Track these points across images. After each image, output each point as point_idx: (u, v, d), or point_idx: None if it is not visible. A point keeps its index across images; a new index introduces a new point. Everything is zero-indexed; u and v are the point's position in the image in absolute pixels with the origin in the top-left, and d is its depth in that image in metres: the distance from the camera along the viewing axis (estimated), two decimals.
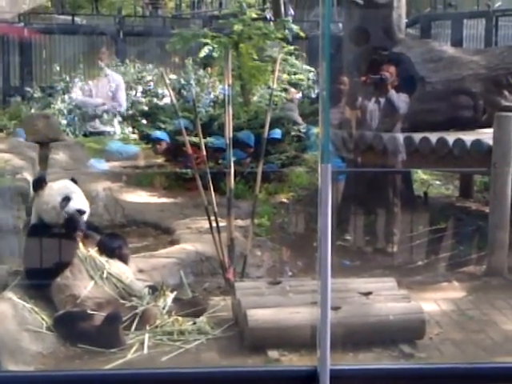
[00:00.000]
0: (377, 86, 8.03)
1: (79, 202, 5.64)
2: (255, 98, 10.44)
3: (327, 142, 4.10)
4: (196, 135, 7.13)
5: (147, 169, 9.35)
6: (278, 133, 8.85)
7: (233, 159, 6.71)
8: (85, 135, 10.81)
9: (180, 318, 5.43)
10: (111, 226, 7.40)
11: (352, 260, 7.32)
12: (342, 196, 8.08)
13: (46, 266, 5.41)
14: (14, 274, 5.61)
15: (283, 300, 5.45)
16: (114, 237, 5.86)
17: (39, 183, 5.77)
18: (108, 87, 11.31)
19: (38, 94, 11.84)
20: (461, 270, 7.04)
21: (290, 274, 6.90)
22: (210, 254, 6.54)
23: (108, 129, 11.07)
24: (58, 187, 5.71)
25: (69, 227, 5.52)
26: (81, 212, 5.61)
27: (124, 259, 5.68)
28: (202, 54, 10.11)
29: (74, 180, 5.89)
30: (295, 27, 10.65)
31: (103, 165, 9.06)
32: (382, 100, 7.99)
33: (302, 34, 10.73)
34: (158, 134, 9.25)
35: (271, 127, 7.97)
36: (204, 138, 7.24)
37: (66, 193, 5.64)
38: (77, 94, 11.36)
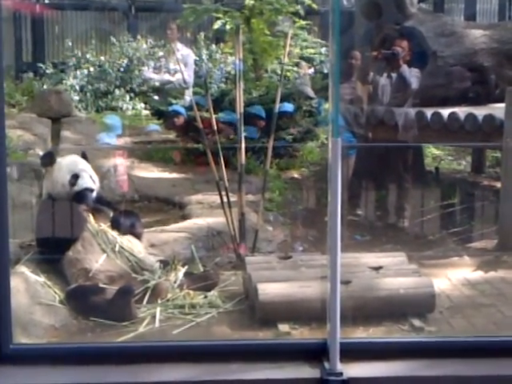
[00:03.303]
0: (389, 61, 8.01)
1: (88, 179, 5.60)
2: (268, 72, 10.42)
3: (337, 117, 4.12)
4: (207, 110, 7.13)
5: (159, 144, 9.36)
6: (289, 106, 8.82)
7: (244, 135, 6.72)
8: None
9: (191, 292, 5.45)
10: (123, 201, 7.43)
11: (363, 235, 7.34)
12: (352, 171, 8.08)
13: (56, 240, 5.44)
14: (27, 248, 5.65)
15: (294, 274, 5.47)
16: (127, 214, 5.83)
17: (48, 159, 5.74)
18: (175, 63, 11.15)
19: (50, 70, 11.86)
20: (472, 244, 7.04)
21: (300, 248, 6.93)
22: (221, 229, 6.57)
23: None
24: (66, 164, 5.65)
25: (78, 202, 5.53)
26: (89, 190, 5.59)
27: (137, 237, 5.69)
28: (216, 26, 10.10)
29: (84, 154, 5.84)
30: (307, 1, 10.60)
31: (113, 139, 9.05)
32: (394, 75, 7.97)
33: (314, 8, 10.67)
34: (176, 107, 9.24)
35: (283, 102, 7.96)
36: (215, 113, 7.25)
37: (75, 170, 5.59)
38: (147, 71, 11.36)
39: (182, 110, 9.07)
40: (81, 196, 5.54)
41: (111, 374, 3.94)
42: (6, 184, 3.99)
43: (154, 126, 9.88)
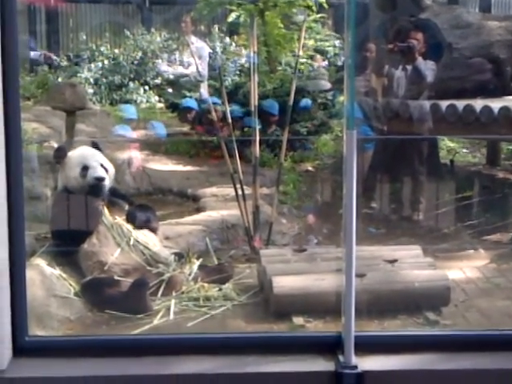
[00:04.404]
0: (404, 54, 7.98)
1: (98, 168, 5.61)
2: (282, 65, 10.41)
3: (352, 109, 4.10)
4: (222, 103, 7.13)
5: (173, 137, 9.37)
6: (308, 102, 8.83)
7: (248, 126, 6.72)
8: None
9: (206, 285, 5.46)
10: (137, 194, 7.45)
11: (378, 228, 7.32)
12: (368, 164, 8.06)
13: (71, 233, 5.46)
14: (42, 240, 5.66)
15: (308, 267, 5.46)
16: (142, 208, 5.83)
17: (59, 153, 5.76)
18: (189, 56, 11.12)
19: (64, 63, 11.89)
20: (487, 237, 7.01)
21: (315, 241, 6.92)
22: (235, 222, 6.57)
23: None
24: (75, 157, 5.69)
25: (92, 195, 5.54)
26: (100, 179, 5.60)
27: (153, 231, 5.68)
28: (230, 19, 10.10)
29: (95, 144, 5.87)
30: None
31: (129, 132, 9.06)
32: (409, 67, 7.94)
33: (327, 1, 10.63)
34: (189, 102, 9.24)
35: (298, 94, 7.94)
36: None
37: (84, 162, 5.61)
38: (161, 64, 11.38)
39: (194, 105, 9.08)
40: (93, 188, 5.55)
41: (126, 366, 3.94)
42: (21, 176, 4.00)
43: (158, 126, 9.82)
